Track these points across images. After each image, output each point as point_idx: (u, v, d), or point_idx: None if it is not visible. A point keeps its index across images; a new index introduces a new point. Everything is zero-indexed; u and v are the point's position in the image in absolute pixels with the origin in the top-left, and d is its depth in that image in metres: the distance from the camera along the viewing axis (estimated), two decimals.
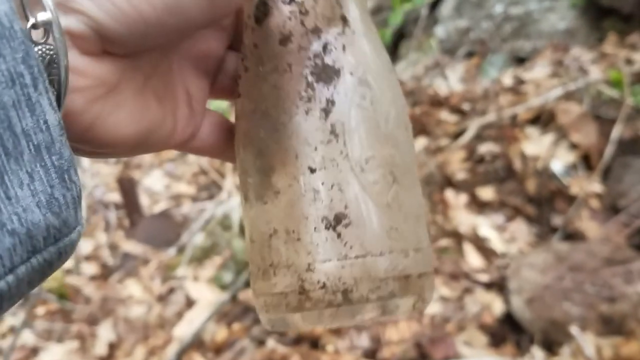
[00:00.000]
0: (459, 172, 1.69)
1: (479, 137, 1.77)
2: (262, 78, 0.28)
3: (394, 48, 2.55)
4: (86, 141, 0.23)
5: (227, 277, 1.65)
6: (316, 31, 0.27)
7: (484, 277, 1.39)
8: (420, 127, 1.91)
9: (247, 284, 1.60)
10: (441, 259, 1.46)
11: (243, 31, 0.29)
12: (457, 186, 1.68)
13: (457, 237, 1.53)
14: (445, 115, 1.92)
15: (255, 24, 0.28)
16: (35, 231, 0.18)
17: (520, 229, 1.52)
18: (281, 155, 0.27)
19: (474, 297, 1.34)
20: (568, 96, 1.71)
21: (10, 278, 0.18)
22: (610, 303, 1.17)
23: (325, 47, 0.27)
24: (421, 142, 1.86)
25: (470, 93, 1.98)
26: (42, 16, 0.20)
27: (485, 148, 1.71)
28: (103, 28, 0.22)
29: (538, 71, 1.91)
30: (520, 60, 2.20)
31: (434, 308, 1.33)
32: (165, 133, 0.28)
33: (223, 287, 1.62)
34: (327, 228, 0.26)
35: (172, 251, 1.87)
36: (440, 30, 2.48)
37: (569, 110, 1.63)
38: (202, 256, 1.79)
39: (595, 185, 1.49)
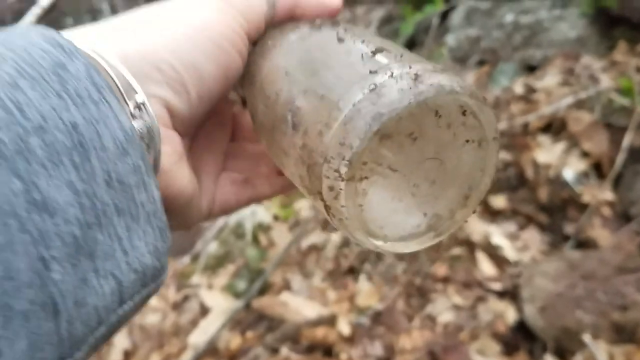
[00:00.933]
0: None
1: None
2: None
3: None
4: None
5: (241, 285, 1.67)
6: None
7: (497, 286, 1.40)
8: None
9: (260, 292, 1.61)
10: (454, 268, 1.47)
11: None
12: None
13: (470, 245, 1.53)
14: None
15: None
16: (147, 271, 0.27)
17: (533, 237, 1.53)
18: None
19: (487, 305, 1.35)
20: (579, 104, 1.71)
21: (130, 303, 0.26)
22: (622, 311, 1.17)
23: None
24: None
25: None
26: (139, 98, 0.29)
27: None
28: (173, 107, 0.31)
29: (549, 80, 1.91)
30: (530, 69, 2.20)
31: (447, 316, 1.34)
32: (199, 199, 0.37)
33: (237, 294, 1.64)
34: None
35: (186, 259, 1.89)
36: (450, 39, 2.49)
37: (580, 118, 1.64)
38: (216, 264, 1.81)
39: (606, 193, 1.50)
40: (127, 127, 0.26)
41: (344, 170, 0.27)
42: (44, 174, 0.22)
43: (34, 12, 3.75)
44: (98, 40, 0.29)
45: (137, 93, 0.29)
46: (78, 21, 4.77)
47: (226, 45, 0.33)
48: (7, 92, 0.22)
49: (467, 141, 0.30)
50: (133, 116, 0.28)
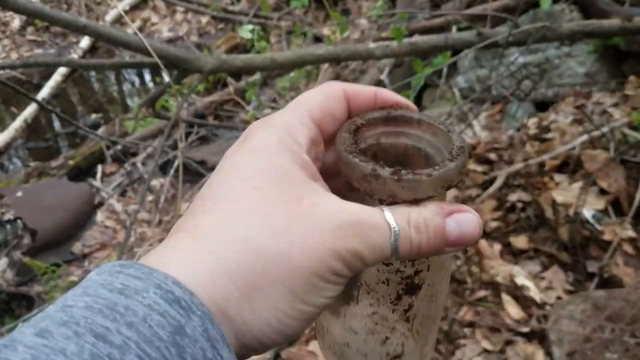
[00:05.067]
0: (491, 221, 1.73)
1: (509, 186, 1.81)
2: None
3: (417, 98, 2.62)
4: None
5: None
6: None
7: (525, 328, 1.41)
8: None
9: (289, 342, 1.63)
10: (480, 311, 1.48)
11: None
12: (490, 236, 1.71)
13: (495, 287, 1.55)
14: (472, 165, 1.96)
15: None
16: None
17: (557, 277, 1.54)
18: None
19: (515, 349, 1.36)
20: (593, 142, 1.74)
21: None
22: None
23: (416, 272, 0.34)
24: (450, 192, 1.90)
25: (496, 142, 2.03)
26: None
27: (516, 196, 1.75)
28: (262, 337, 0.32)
29: (562, 118, 1.95)
30: (542, 106, 2.24)
31: None
32: None
33: None
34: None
35: None
36: (461, 80, 2.55)
37: (595, 156, 1.67)
38: None
39: (627, 231, 1.51)
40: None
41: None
42: None
43: (60, 71, 3.89)
44: (203, 274, 0.31)
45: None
46: (100, 73, 5.00)
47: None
48: None
49: None
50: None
